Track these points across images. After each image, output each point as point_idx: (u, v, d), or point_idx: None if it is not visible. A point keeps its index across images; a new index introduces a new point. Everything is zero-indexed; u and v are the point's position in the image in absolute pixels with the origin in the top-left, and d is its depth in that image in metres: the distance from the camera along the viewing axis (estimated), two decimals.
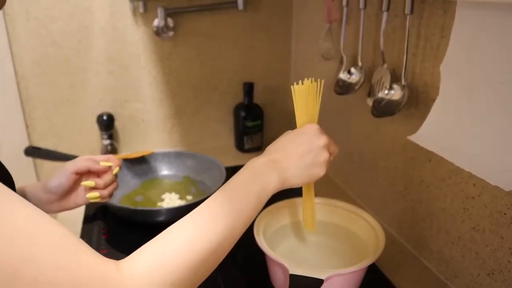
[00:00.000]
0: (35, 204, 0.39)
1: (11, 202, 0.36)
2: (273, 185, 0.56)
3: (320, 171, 0.61)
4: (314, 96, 0.63)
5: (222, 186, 0.54)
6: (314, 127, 0.63)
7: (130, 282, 0.39)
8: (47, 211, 0.62)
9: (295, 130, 0.64)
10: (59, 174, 0.74)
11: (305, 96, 0.63)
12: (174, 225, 0.46)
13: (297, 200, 0.80)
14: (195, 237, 0.45)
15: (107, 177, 0.76)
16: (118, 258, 0.86)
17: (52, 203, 0.74)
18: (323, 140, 0.61)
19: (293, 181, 0.59)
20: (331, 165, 0.66)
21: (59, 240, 0.37)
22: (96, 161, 0.76)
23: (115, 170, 0.77)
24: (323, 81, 0.62)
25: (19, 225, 0.35)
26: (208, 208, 0.49)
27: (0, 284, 0.33)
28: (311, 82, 0.62)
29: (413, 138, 0.71)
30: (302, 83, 0.62)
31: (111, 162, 0.77)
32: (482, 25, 0.56)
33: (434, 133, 0.68)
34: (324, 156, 0.61)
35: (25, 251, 0.34)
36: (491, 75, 0.56)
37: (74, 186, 0.75)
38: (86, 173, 0.76)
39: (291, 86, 0.62)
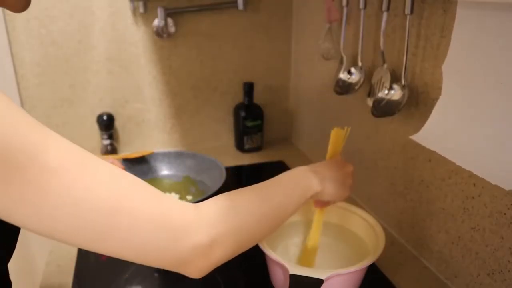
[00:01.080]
0: None
1: (96, 159, 0.42)
2: (314, 188, 0.63)
3: (345, 193, 0.69)
4: (342, 139, 0.75)
5: (272, 178, 0.61)
6: (341, 158, 0.74)
7: (206, 218, 0.48)
8: None
9: (326, 160, 0.74)
10: None
11: (337, 138, 0.74)
12: (243, 189, 0.56)
13: None
14: (255, 202, 0.55)
15: None
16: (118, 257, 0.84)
17: None
18: (349, 168, 0.72)
19: (327, 192, 0.66)
20: None
21: (144, 186, 0.45)
22: None
23: None
24: (349, 128, 0.74)
25: (113, 173, 0.42)
26: (263, 188, 0.59)
27: (104, 215, 0.40)
28: (343, 129, 0.75)
29: (415, 138, 0.71)
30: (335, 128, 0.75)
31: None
32: (483, 25, 0.56)
33: (436, 133, 0.68)
34: (350, 181, 0.70)
35: (123, 190, 0.42)
36: (492, 75, 0.56)
37: None
38: None
39: (333, 130, 0.74)
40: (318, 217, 0.76)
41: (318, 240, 0.76)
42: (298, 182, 0.63)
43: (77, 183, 0.39)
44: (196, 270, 0.48)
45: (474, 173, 0.63)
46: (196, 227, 0.46)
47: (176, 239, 0.45)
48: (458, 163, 0.66)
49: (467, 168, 0.64)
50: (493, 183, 0.60)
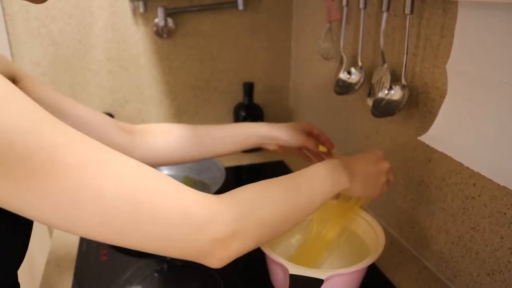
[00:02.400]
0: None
1: (114, 152, 0.42)
2: (343, 184, 0.62)
3: (376, 192, 0.68)
4: None
5: (301, 170, 0.60)
6: (381, 152, 0.70)
7: (228, 211, 0.47)
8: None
9: (364, 152, 0.72)
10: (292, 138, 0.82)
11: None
12: (269, 180, 0.55)
13: None
14: (281, 195, 0.54)
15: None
16: (118, 258, 0.86)
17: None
18: (386, 165, 0.68)
19: (356, 188, 0.64)
20: None
21: (165, 178, 0.44)
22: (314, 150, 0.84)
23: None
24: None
25: (132, 167, 0.42)
26: (291, 180, 0.57)
27: (126, 208, 0.40)
28: None
29: (423, 138, 0.70)
30: None
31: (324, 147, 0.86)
32: (485, 25, 0.56)
33: (444, 133, 0.67)
34: (383, 179, 0.68)
35: (143, 183, 0.42)
36: (495, 74, 0.56)
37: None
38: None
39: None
40: (351, 212, 0.77)
41: (337, 233, 0.76)
42: (328, 176, 0.61)
43: (97, 178, 0.38)
44: (216, 260, 0.47)
45: (483, 174, 0.61)
46: (218, 220, 0.45)
47: (197, 232, 0.44)
48: (465, 164, 0.64)
49: (475, 169, 0.63)
50: (501, 184, 0.59)
